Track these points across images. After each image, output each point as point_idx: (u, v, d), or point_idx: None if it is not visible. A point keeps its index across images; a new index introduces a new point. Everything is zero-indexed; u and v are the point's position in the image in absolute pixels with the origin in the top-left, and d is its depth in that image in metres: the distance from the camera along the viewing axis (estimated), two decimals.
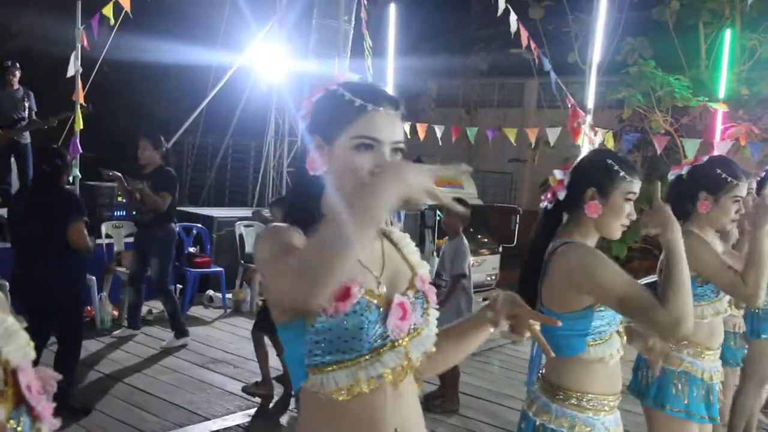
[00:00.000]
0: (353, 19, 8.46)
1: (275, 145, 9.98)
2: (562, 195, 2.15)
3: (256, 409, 4.56)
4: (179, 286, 7.02)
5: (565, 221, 2.17)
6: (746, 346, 3.67)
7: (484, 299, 8.93)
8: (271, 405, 4.64)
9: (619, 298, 1.88)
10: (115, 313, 6.30)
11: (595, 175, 2.08)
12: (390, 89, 7.51)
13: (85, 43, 6.62)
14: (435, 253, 8.25)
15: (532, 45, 6.85)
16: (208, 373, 5.18)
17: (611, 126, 8.56)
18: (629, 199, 2.05)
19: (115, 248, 6.73)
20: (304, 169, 1.40)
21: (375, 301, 1.33)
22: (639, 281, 1.97)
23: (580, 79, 7.36)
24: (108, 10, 6.34)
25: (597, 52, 6.27)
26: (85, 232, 4.24)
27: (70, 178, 6.61)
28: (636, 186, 2.06)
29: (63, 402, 4.02)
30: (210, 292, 7.33)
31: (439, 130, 7.42)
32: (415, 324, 1.39)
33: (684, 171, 2.78)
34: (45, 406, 0.98)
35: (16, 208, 4.52)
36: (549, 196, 2.19)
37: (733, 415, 3.76)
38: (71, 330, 4.36)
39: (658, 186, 2.03)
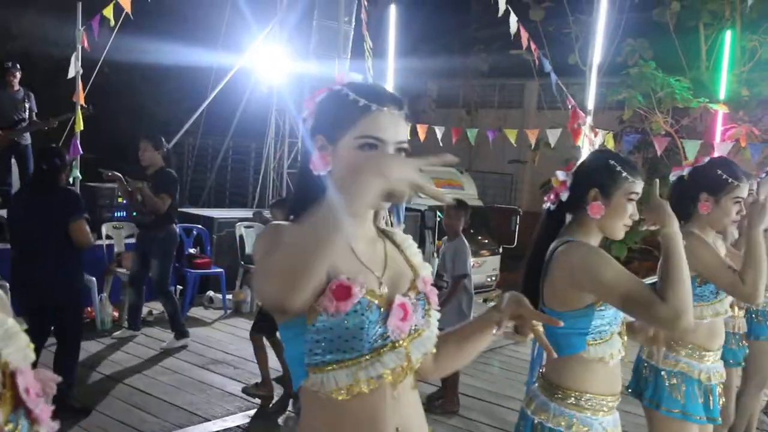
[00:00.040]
0: (353, 20, 8.47)
1: (276, 146, 9.98)
2: (564, 196, 2.16)
3: (255, 410, 4.56)
4: (179, 287, 7.02)
5: (568, 222, 2.18)
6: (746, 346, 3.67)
7: (485, 300, 8.93)
8: (270, 406, 4.63)
9: (622, 296, 1.89)
10: (116, 314, 6.30)
11: (597, 176, 2.09)
12: (389, 89, 7.54)
13: (86, 44, 6.62)
14: (435, 254, 8.25)
15: (533, 46, 6.84)
16: (208, 374, 5.18)
17: (612, 127, 8.57)
18: (632, 200, 2.06)
19: (116, 249, 6.73)
20: (307, 169, 1.40)
21: (376, 302, 1.33)
22: (646, 280, 1.98)
23: (580, 81, 7.36)
24: (108, 12, 6.34)
25: (597, 53, 6.26)
26: (87, 229, 4.28)
27: (71, 179, 6.61)
28: (638, 186, 2.07)
29: (63, 403, 4.02)
30: (210, 293, 7.33)
31: (439, 131, 7.41)
32: (416, 325, 1.39)
33: (685, 172, 2.79)
34: (43, 409, 0.97)
35: (16, 208, 4.54)
36: (552, 197, 2.20)
37: (735, 416, 3.75)
38: (71, 329, 4.37)
39: (656, 184, 2.04)
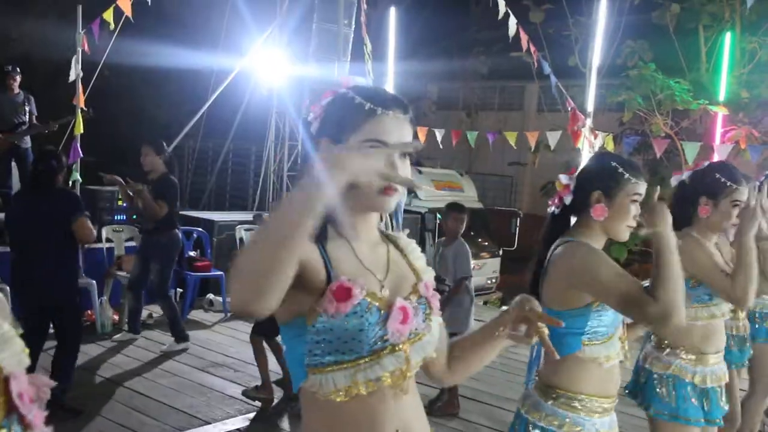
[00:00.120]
0: (353, 23, 8.48)
1: (276, 149, 9.99)
2: (568, 199, 2.17)
3: (255, 413, 4.56)
4: (179, 290, 7.02)
5: (572, 225, 2.19)
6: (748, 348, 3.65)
7: (485, 302, 8.93)
8: (270, 409, 4.63)
9: (617, 296, 1.91)
10: (116, 317, 6.30)
11: (600, 178, 2.10)
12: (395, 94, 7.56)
13: (86, 47, 6.62)
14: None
15: (532, 48, 6.86)
16: (208, 376, 5.18)
17: (611, 129, 8.58)
18: (635, 201, 2.07)
19: (116, 252, 6.73)
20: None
21: (376, 304, 1.33)
22: (644, 282, 1.99)
23: (580, 82, 7.38)
24: (108, 15, 6.34)
25: (597, 55, 6.28)
26: (90, 225, 4.32)
27: (71, 182, 6.62)
28: (641, 187, 2.08)
29: (56, 403, 4.04)
30: (210, 295, 7.33)
31: (439, 134, 7.42)
32: (416, 329, 1.39)
33: (685, 176, 2.82)
34: (36, 415, 0.97)
35: (14, 209, 4.57)
36: (556, 201, 2.21)
37: (740, 419, 3.73)
38: (71, 330, 4.38)
39: (657, 190, 2.05)
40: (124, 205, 6.90)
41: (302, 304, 1.32)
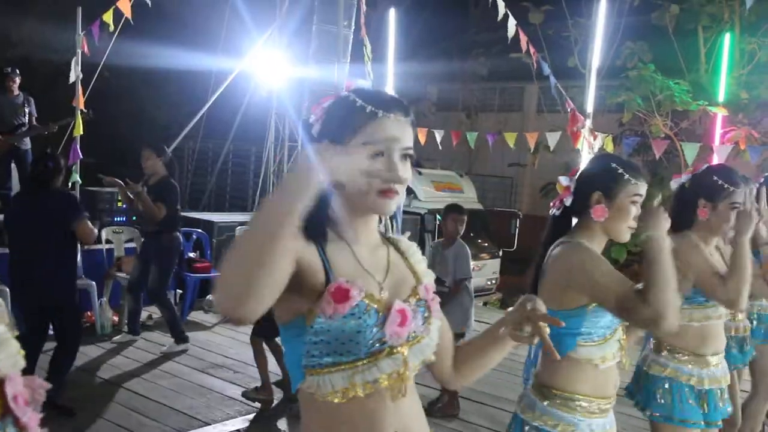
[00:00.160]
0: (353, 24, 8.48)
1: (275, 150, 9.99)
2: (568, 201, 2.18)
3: (255, 414, 4.56)
4: (179, 291, 7.02)
5: (573, 226, 2.20)
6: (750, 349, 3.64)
7: (485, 304, 8.93)
8: (270, 410, 4.63)
9: (610, 297, 1.93)
10: (115, 318, 6.30)
11: (599, 179, 2.11)
12: (396, 96, 7.56)
13: (86, 49, 6.63)
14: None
15: (531, 49, 6.86)
16: (208, 378, 5.18)
17: (611, 130, 8.57)
18: (635, 202, 2.07)
19: (116, 254, 6.73)
20: None
21: (375, 306, 1.33)
22: (638, 285, 2.00)
23: (579, 84, 7.37)
24: (108, 17, 6.35)
25: (596, 56, 6.28)
26: (90, 225, 4.37)
27: (70, 183, 6.63)
28: (642, 188, 2.08)
29: (50, 403, 4.04)
30: (210, 297, 7.31)
31: (439, 135, 7.42)
32: (415, 332, 1.39)
33: (683, 179, 2.84)
34: (31, 417, 0.97)
35: (13, 211, 4.59)
36: (557, 203, 2.22)
37: (742, 420, 3.73)
38: (71, 330, 4.41)
39: (659, 196, 2.07)
40: (124, 206, 6.90)
41: (301, 305, 1.32)
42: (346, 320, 1.30)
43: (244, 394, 4.74)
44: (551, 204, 2.26)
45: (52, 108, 7.93)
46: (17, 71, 7.52)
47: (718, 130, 6.91)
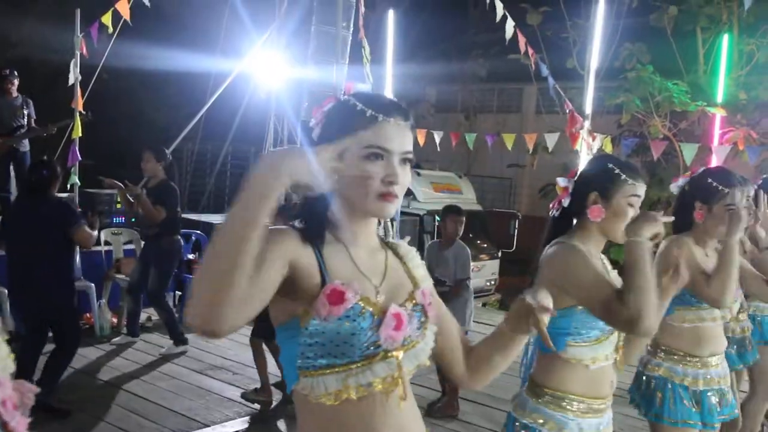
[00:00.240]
0: (352, 25, 8.48)
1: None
2: (566, 202, 2.19)
3: (254, 415, 4.55)
4: (178, 292, 7.01)
5: (572, 227, 2.20)
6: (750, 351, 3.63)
7: (484, 305, 8.93)
8: (269, 411, 4.63)
9: (595, 300, 1.96)
10: (114, 320, 6.29)
11: (596, 180, 2.11)
12: (389, 95, 7.51)
13: (84, 51, 6.63)
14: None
15: (530, 51, 6.87)
16: (207, 379, 5.18)
17: (610, 131, 8.58)
18: (632, 203, 2.07)
19: (114, 255, 6.72)
20: None
21: (370, 309, 1.33)
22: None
23: (578, 85, 7.39)
24: (107, 18, 6.35)
25: (595, 57, 6.28)
26: (88, 231, 4.38)
27: (69, 185, 6.63)
28: (640, 189, 2.08)
29: (43, 406, 4.07)
30: None
31: (438, 136, 7.43)
32: (410, 336, 1.39)
33: (681, 182, 2.87)
34: (20, 422, 0.97)
35: (12, 215, 4.61)
36: (555, 204, 2.23)
37: (742, 420, 3.73)
38: (70, 332, 4.42)
39: (662, 209, 2.08)
40: (123, 208, 6.90)
41: (296, 307, 1.32)
42: (341, 322, 1.30)
43: (243, 396, 4.74)
44: (550, 205, 2.27)
45: (51, 109, 7.93)
46: (15, 73, 7.52)
47: (717, 131, 6.92)
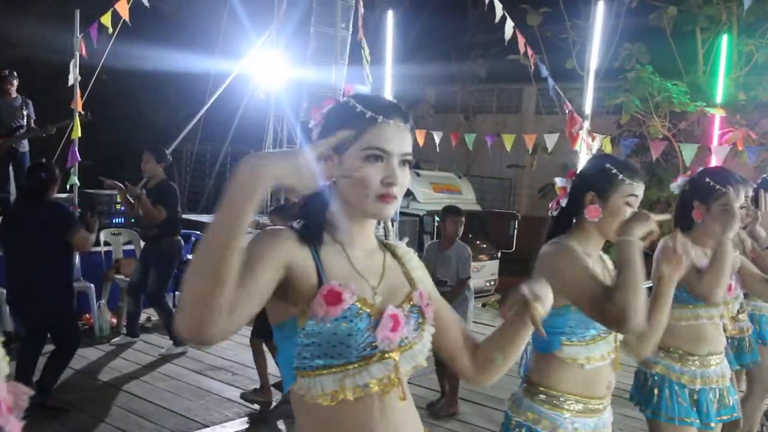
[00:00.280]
0: (351, 26, 8.49)
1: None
2: (564, 202, 2.19)
3: (254, 416, 4.55)
4: (179, 293, 7.00)
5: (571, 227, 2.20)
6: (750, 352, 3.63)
7: (483, 305, 8.93)
8: (269, 412, 4.62)
9: (585, 298, 1.97)
10: (114, 320, 6.29)
11: (593, 180, 2.11)
12: (388, 96, 7.52)
13: (84, 51, 6.63)
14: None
15: (529, 51, 6.87)
16: (207, 380, 5.17)
17: (609, 131, 8.58)
18: (630, 203, 2.07)
19: (114, 256, 6.72)
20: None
21: (367, 310, 1.34)
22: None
23: (578, 85, 7.39)
24: (106, 19, 6.35)
25: (595, 58, 6.29)
26: (86, 234, 4.38)
27: (69, 186, 6.62)
28: (637, 189, 2.08)
29: (42, 404, 4.08)
30: None
31: (437, 137, 7.43)
32: (407, 337, 1.39)
33: (680, 182, 2.88)
34: (14, 424, 0.96)
35: (10, 218, 4.60)
36: (554, 204, 2.24)
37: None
38: (69, 335, 4.42)
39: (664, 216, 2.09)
40: (122, 208, 6.89)
41: (293, 307, 1.32)
42: (338, 323, 1.30)
43: (242, 396, 4.74)
44: (549, 205, 2.28)
45: (51, 110, 7.93)
46: (15, 74, 7.52)
47: (716, 131, 6.93)
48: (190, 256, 7.15)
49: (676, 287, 2.59)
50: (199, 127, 11.03)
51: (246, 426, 4.40)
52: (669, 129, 9.22)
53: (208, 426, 4.32)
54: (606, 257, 2.21)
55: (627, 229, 1.97)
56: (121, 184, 5.58)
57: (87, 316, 6.09)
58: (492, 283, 10.61)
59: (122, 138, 13.17)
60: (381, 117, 1.35)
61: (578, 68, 9.12)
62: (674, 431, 2.59)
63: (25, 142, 7.64)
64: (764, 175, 3.90)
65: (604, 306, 1.92)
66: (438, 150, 7.79)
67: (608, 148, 6.46)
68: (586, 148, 6.17)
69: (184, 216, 8.17)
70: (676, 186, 2.90)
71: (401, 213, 8.70)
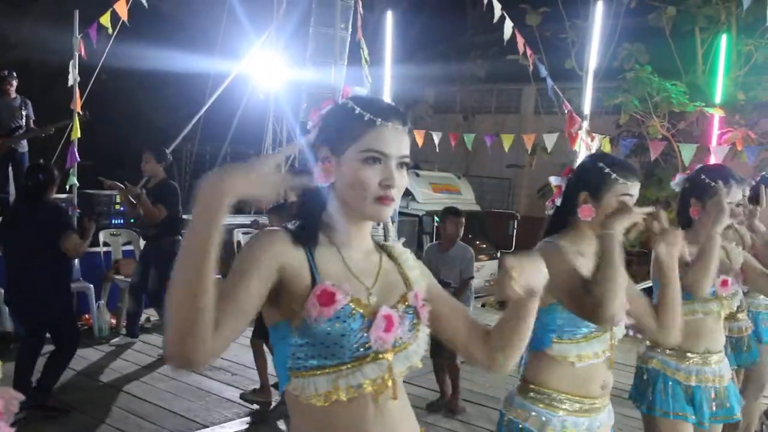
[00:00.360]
0: (350, 27, 8.49)
1: (273, 152, 9.96)
2: (559, 201, 2.18)
3: (253, 416, 4.55)
4: None
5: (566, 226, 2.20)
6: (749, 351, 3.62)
7: (483, 305, 8.93)
8: (268, 412, 4.62)
9: (566, 295, 1.99)
10: (113, 321, 6.29)
11: (586, 179, 2.10)
12: (387, 96, 7.51)
13: (83, 52, 6.63)
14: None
15: (528, 51, 6.87)
16: (206, 380, 5.17)
17: (608, 131, 8.58)
18: (623, 202, 2.05)
19: (113, 256, 6.72)
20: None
21: (361, 311, 1.34)
22: (635, 287, 2.01)
23: (577, 85, 7.38)
24: (105, 19, 6.35)
25: (594, 58, 6.28)
26: (77, 239, 4.36)
27: (68, 186, 6.62)
28: (632, 188, 2.06)
29: (42, 404, 4.09)
30: None
31: (436, 137, 7.42)
32: (401, 338, 1.39)
33: (679, 180, 2.89)
34: (4, 430, 0.96)
35: (9, 219, 4.60)
36: (550, 203, 2.24)
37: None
38: (68, 337, 4.43)
39: (664, 215, 2.11)
40: (122, 208, 6.89)
41: (287, 308, 1.33)
42: (331, 323, 1.30)
43: (242, 396, 4.74)
44: (546, 204, 2.28)
45: (50, 110, 7.93)
46: (14, 74, 7.52)
47: (715, 131, 6.94)
48: None
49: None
50: (199, 127, 11.01)
51: (246, 426, 4.40)
52: (668, 129, 9.23)
53: (207, 426, 4.33)
54: None
55: (608, 223, 1.99)
56: (120, 185, 5.58)
57: (86, 316, 6.10)
58: (491, 283, 10.61)
59: (122, 138, 13.17)
60: (380, 119, 1.36)
61: (577, 68, 9.12)
62: (669, 426, 2.58)
63: (24, 142, 7.64)
64: (763, 173, 3.91)
65: (583, 298, 1.94)
66: (437, 150, 7.79)
67: (607, 148, 6.46)
68: (585, 148, 6.16)
69: (185, 216, 8.18)
70: (675, 183, 2.91)
71: (401, 213, 8.70)
